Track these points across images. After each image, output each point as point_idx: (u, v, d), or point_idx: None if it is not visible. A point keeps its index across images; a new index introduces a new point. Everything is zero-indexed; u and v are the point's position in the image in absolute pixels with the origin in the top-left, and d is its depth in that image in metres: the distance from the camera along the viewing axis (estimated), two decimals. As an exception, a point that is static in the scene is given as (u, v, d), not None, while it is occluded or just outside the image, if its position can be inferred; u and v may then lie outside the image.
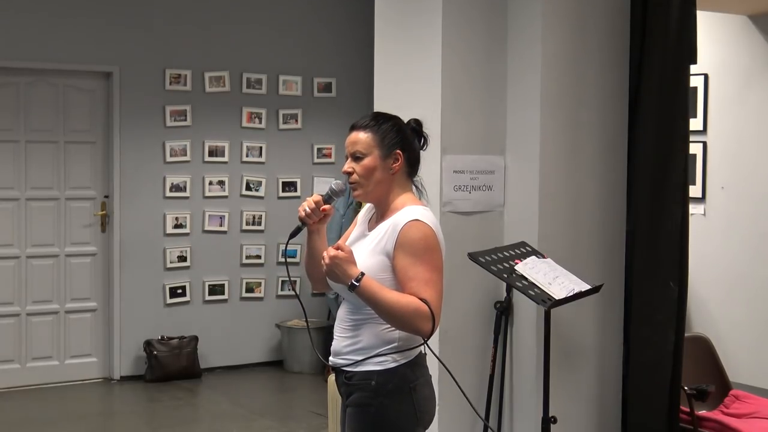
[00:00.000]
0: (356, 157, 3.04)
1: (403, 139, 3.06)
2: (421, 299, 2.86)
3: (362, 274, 2.86)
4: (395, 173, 3.04)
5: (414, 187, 3.13)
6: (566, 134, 4.52)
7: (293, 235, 3.12)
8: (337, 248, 2.88)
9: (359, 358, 2.98)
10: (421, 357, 3.06)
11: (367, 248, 3.02)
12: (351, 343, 3.01)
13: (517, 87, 4.52)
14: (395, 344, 2.96)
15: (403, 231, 2.92)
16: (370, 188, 3.04)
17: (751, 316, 7.01)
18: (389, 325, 2.94)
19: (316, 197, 3.07)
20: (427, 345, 2.99)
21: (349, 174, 3.05)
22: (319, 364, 7.78)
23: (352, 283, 2.84)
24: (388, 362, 2.95)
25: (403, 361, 2.97)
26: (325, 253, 2.88)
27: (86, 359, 7.63)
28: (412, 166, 3.11)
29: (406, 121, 3.13)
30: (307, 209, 3.05)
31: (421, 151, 3.15)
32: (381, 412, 2.97)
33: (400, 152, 3.04)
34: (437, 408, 4.26)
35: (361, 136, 3.04)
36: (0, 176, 7.31)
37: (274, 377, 7.91)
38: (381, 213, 3.09)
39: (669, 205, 4.50)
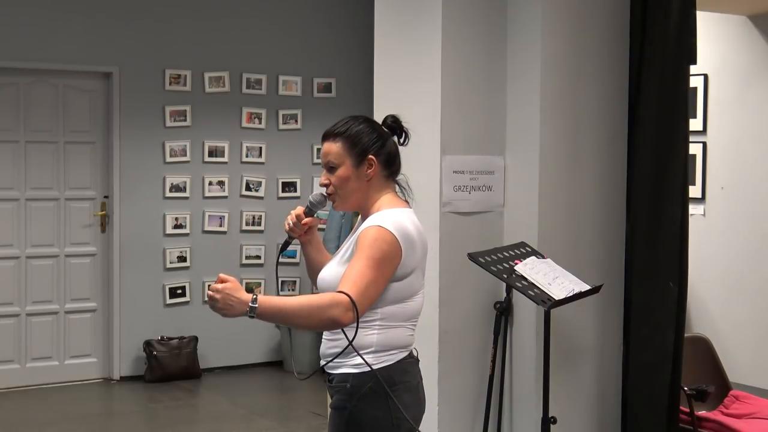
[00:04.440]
0: (330, 168, 2.97)
1: (376, 142, 2.96)
2: (339, 292, 2.70)
3: (255, 295, 2.63)
4: (371, 179, 2.96)
5: (397, 186, 3.04)
6: (566, 134, 4.51)
7: (283, 249, 3.15)
8: (221, 281, 2.63)
9: (337, 360, 2.93)
10: (407, 363, 2.96)
11: (336, 256, 2.98)
12: (331, 345, 2.97)
13: (517, 87, 4.51)
14: (372, 348, 2.88)
15: (360, 235, 2.85)
16: (347, 198, 2.97)
17: (751, 316, 7.01)
18: (366, 329, 2.85)
19: (299, 210, 3.06)
20: (416, 352, 2.94)
21: (326, 185, 2.99)
22: (318, 365, 7.77)
23: (249, 306, 2.60)
24: (364, 365, 2.86)
25: (380, 365, 2.88)
26: (209, 292, 2.63)
27: (86, 359, 7.63)
28: (390, 167, 3.00)
29: (382, 120, 3.04)
30: (290, 223, 3.05)
31: (402, 147, 3.04)
32: (355, 415, 2.91)
33: (374, 157, 2.94)
34: (437, 408, 4.29)
35: (332, 146, 2.95)
36: (0, 176, 7.32)
37: (273, 377, 7.91)
38: (364, 219, 3.01)
39: (669, 205, 4.49)
